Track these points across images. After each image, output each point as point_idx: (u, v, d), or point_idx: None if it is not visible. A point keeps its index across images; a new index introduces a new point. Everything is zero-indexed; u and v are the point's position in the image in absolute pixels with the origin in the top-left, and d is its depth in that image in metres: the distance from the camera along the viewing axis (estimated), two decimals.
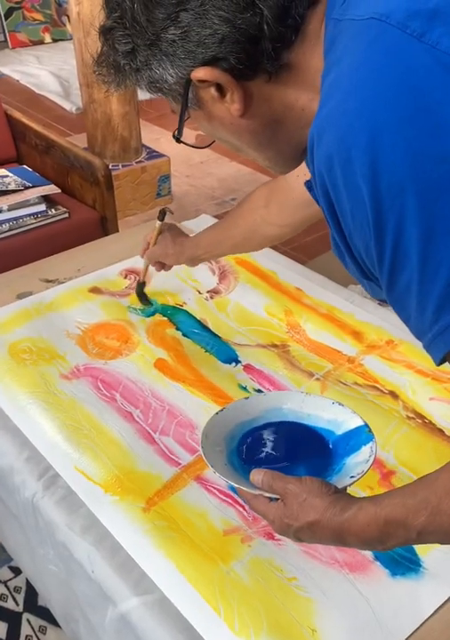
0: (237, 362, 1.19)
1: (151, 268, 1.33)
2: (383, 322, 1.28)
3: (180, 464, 0.99)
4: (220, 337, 1.26)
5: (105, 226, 2.09)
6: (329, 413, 0.83)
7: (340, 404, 0.84)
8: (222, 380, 1.15)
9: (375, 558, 0.84)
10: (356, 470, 0.73)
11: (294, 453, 0.81)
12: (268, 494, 0.70)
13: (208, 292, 1.40)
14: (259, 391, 1.12)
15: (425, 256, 0.50)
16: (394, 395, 1.10)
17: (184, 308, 1.35)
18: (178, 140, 0.70)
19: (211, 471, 0.78)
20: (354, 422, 0.80)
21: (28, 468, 1.01)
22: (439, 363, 0.55)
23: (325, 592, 0.80)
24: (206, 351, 1.22)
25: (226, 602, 0.80)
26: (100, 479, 0.97)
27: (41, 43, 5.31)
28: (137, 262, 1.50)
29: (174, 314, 1.33)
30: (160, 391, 1.13)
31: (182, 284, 1.43)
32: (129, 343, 1.25)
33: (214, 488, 0.95)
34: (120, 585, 0.84)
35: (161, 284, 1.41)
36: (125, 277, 1.45)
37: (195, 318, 1.31)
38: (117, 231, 2.12)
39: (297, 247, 2.66)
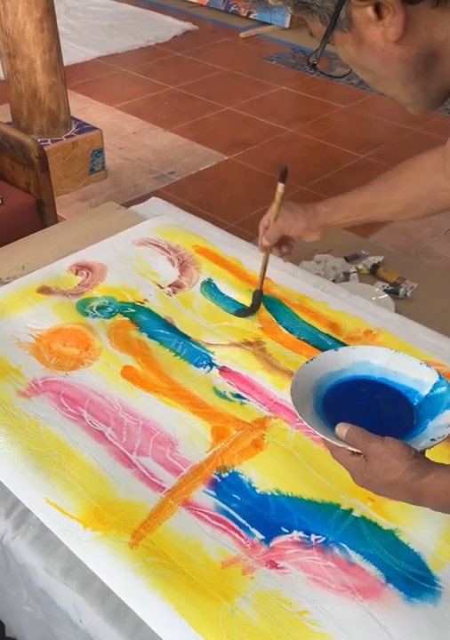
0: (212, 365, 1.11)
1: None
2: (358, 310, 1.23)
3: (163, 488, 0.90)
4: (189, 337, 1.17)
5: (42, 211, 1.94)
6: (416, 373, 0.83)
7: (428, 365, 0.83)
8: (198, 387, 1.06)
9: (388, 580, 0.79)
10: (437, 433, 0.74)
11: (378, 410, 0.82)
12: (351, 448, 0.72)
13: (169, 286, 1.30)
14: (238, 396, 1.05)
15: None
16: None
17: (146, 305, 1.25)
18: (313, 65, 0.66)
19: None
20: (441, 387, 0.81)
21: None
22: None
23: (340, 625, 0.74)
24: (176, 354, 1.13)
25: None
26: (77, 513, 0.87)
27: None
28: (87, 254, 1.39)
29: (136, 313, 1.23)
30: (131, 404, 1.04)
31: (140, 277, 1.32)
32: (90, 350, 1.14)
33: (205, 513, 0.87)
34: (114, 635, 0.76)
35: (116, 279, 1.31)
36: (77, 273, 1.33)
37: (159, 317, 1.22)
38: (55, 216, 1.98)
39: (244, 222, 2.58)
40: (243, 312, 1.22)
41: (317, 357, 0.87)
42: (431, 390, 0.81)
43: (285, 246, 1.20)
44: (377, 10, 0.58)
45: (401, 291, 2.11)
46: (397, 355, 0.86)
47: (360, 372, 0.86)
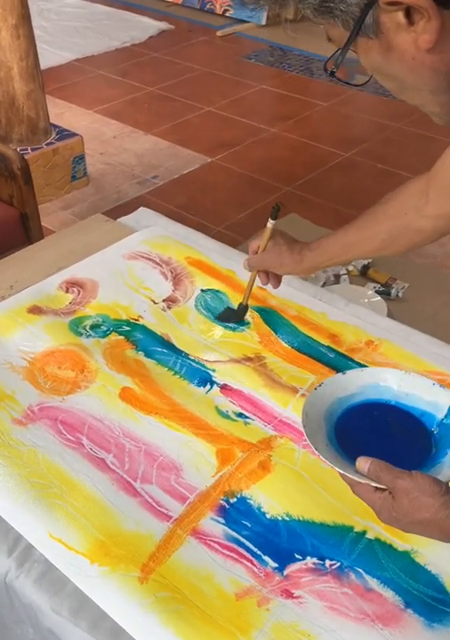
0: (212, 383, 1.08)
1: None
2: (358, 320, 1.21)
3: (171, 517, 0.88)
4: (187, 354, 1.14)
5: (26, 224, 1.90)
6: (429, 394, 0.80)
7: (441, 386, 0.80)
8: (200, 408, 1.04)
9: (407, 605, 0.77)
10: None
11: (393, 436, 0.79)
12: (374, 484, 0.68)
13: (164, 300, 1.27)
14: (240, 415, 1.03)
15: None
16: None
17: (141, 322, 1.22)
18: (332, 73, 0.61)
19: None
20: None
21: None
22: None
23: None
24: (175, 373, 1.10)
25: None
26: (83, 547, 0.84)
27: None
28: (77, 271, 1.36)
29: (131, 331, 1.20)
30: (132, 428, 1.01)
31: (133, 293, 1.29)
32: (86, 372, 1.11)
33: (214, 542, 0.85)
34: None
35: (108, 295, 1.28)
36: (67, 291, 1.30)
37: (155, 334, 1.19)
38: (40, 228, 1.94)
39: (229, 226, 2.55)
40: (226, 314, 1.20)
41: (325, 383, 0.84)
42: (448, 414, 0.78)
43: (273, 278, 1.16)
44: (408, 15, 0.54)
45: (393, 291, 2.10)
46: (407, 376, 0.83)
47: (371, 396, 0.83)
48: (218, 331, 1.19)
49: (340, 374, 0.86)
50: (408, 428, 0.79)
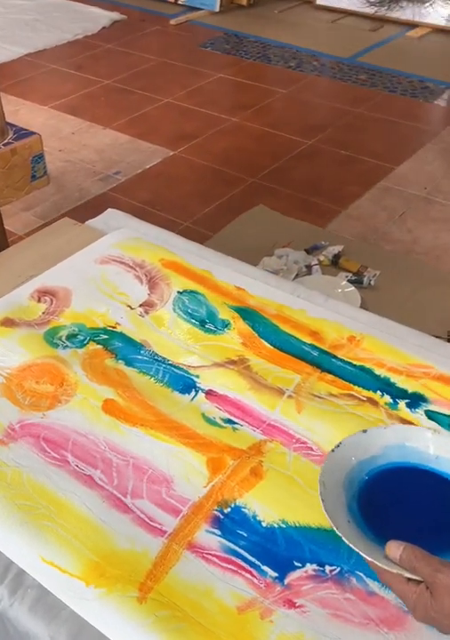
0: (197, 389, 1.06)
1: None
2: (338, 315, 1.20)
3: (165, 532, 0.86)
4: (168, 360, 1.12)
5: None
6: None
7: None
8: (186, 416, 1.02)
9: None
10: None
11: (426, 509, 0.70)
12: (409, 575, 0.59)
13: (140, 305, 1.24)
14: (228, 421, 1.01)
15: None
16: (373, 401, 1.03)
17: (118, 329, 1.19)
18: None
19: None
20: None
21: None
22: None
23: None
24: (158, 381, 1.08)
25: None
26: (77, 570, 0.82)
27: None
28: (48, 279, 1.32)
29: (109, 339, 1.17)
30: (117, 441, 0.98)
31: (108, 299, 1.26)
32: (66, 385, 1.08)
33: (211, 555, 0.83)
34: None
35: (82, 303, 1.24)
36: (39, 301, 1.26)
37: (134, 341, 1.16)
38: (4, 235, 1.89)
39: (197, 220, 2.53)
40: None
41: (343, 444, 0.75)
42: None
43: None
44: None
45: (365, 280, 2.11)
46: (436, 436, 0.76)
47: (396, 459, 0.74)
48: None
49: (359, 433, 0.78)
50: (440, 496, 0.71)
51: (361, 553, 0.63)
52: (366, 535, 0.66)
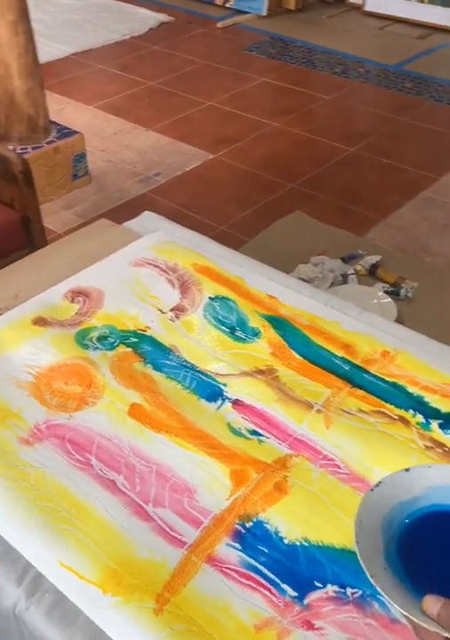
0: (224, 398, 1.05)
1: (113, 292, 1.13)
2: (371, 328, 1.17)
3: (185, 543, 0.85)
4: (196, 366, 1.11)
5: (28, 228, 1.86)
6: None
7: None
8: (211, 425, 1.00)
9: None
10: None
11: None
12: (447, 634, 0.54)
13: (171, 310, 1.24)
14: (254, 432, 0.99)
15: None
16: (404, 420, 1.00)
17: (148, 333, 1.18)
18: None
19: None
20: None
21: (3, 570, 0.84)
22: None
23: None
24: (185, 388, 1.07)
25: None
26: (95, 576, 0.81)
27: None
28: (82, 279, 1.32)
29: (139, 342, 1.16)
30: (142, 447, 0.98)
31: (140, 302, 1.26)
32: (93, 387, 1.08)
33: (231, 569, 0.82)
34: None
35: (115, 305, 1.24)
36: (73, 301, 1.26)
37: (164, 346, 1.15)
38: (43, 231, 1.90)
39: (233, 224, 2.51)
40: None
41: (383, 483, 0.69)
42: None
43: None
44: None
45: (402, 292, 2.07)
46: None
47: (441, 500, 0.68)
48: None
49: (402, 472, 0.71)
50: None
51: (395, 605, 0.57)
52: (404, 584, 0.60)
